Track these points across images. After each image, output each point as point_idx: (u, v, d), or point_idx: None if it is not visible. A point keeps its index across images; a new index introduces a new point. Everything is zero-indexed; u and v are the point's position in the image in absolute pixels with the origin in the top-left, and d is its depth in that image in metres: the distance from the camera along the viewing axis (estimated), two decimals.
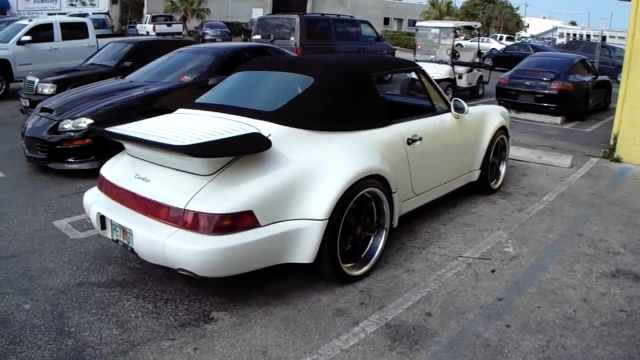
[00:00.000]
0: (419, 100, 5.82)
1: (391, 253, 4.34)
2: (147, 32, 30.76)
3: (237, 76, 4.75)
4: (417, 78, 5.13)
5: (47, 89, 8.91)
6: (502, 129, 5.89)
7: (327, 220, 3.43)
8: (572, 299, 3.74)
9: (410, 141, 4.38)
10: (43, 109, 6.76)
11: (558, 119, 11.25)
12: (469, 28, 16.09)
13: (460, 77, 13.17)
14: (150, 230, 3.29)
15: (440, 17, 47.24)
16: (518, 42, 35.91)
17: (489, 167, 5.73)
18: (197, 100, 4.46)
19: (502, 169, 6.18)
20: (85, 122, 6.11)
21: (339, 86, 4.14)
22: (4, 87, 12.04)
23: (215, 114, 3.98)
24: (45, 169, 6.36)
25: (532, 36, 58.94)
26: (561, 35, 51.91)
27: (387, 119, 4.32)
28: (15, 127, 8.23)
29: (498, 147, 5.88)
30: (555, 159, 7.51)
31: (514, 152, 7.38)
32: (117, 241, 3.57)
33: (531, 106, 11.44)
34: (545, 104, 11.23)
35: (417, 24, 16.14)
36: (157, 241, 3.19)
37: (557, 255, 4.46)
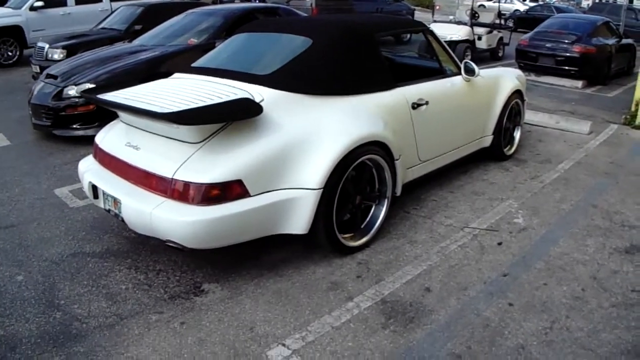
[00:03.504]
0: (427, 62, 5.57)
1: (394, 222, 4.18)
2: None
3: (236, 38, 4.55)
4: (425, 39, 4.88)
5: (57, 54, 8.78)
6: (517, 93, 5.62)
7: (321, 190, 3.27)
8: (581, 277, 3.54)
9: (416, 105, 4.18)
10: (49, 75, 6.66)
11: (579, 83, 10.82)
12: None
13: (479, 38, 12.78)
14: (138, 200, 3.18)
15: None
16: (541, 3, 34.68)
17: (503, 132, 5.49)
18: (193, 64, 4.29)
19: (517, 134, 5.93)
20: (88, 88, 5.99)
21: (339, 47, 3.92)
22: (17, 53, 11.98)
23: (210, 78, 3.81)
24: (51, 136, 6.29)
25: None
26: None
27: (391, 82, 4.11)
28: (27, 93, 8.17)
29: (512, 111, 5.61)
30: (574, 125, 7.20)
31: (531, 116, 7.10)
32: (109, 211, 3.47)
33: (551, 69, 11.06)
34: (566, 67, 10.84)
35: None
36: (144, 211, 3.08)
37: (569, 228, 4.24)
